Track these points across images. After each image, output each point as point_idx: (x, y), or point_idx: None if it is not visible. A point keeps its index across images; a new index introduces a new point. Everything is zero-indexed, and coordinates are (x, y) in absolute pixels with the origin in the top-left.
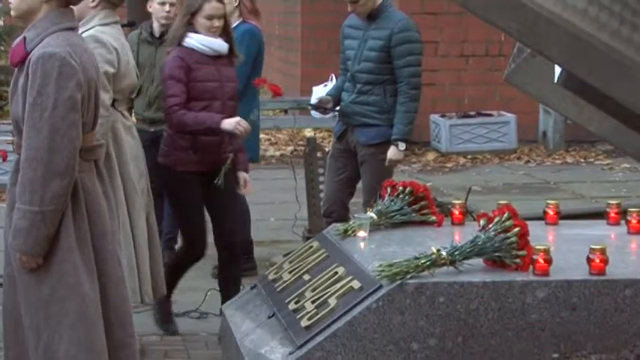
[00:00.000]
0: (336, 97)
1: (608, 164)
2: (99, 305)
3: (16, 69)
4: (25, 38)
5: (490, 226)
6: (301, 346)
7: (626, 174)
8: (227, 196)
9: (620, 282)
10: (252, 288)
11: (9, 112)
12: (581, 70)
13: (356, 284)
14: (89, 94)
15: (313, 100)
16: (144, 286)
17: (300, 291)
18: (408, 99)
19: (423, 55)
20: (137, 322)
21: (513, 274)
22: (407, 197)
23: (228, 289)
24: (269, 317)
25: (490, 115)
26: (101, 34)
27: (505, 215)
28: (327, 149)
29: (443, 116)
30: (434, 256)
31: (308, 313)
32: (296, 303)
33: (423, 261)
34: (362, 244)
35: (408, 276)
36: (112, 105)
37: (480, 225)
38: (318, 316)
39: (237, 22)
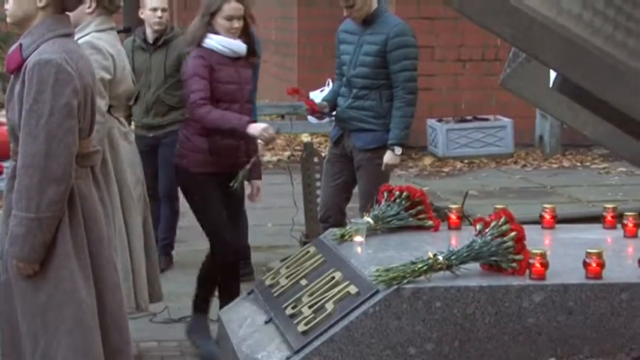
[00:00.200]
0: (332, 102)
1: (604, 168)
2: (95, 311)
3: (12, 76)
4: (21, 45)
5: (487, 230)
6: (298, 351)
7: (623, 178)
8: (237, 201)
9: (617, 286)
10: (249, 293)
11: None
12: (575, 74)
13: (353, 289)
14: (85, 101)
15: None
16: (140, 293)
17: (297, 296)
18: (404, 104)
19: (418, 60)
20: (134, 328)
21: (510, 279)
22: (403, 202)
23: (226, 294)
24: (266, 322)
25: (487, 119)
26: (97, 41)
27: (502, 220)
28: (323, 154)
29: (439, 121)
30: (430, 260)
31: (305, 318)
32: (293, 308)
33: (419, 266)
34: (359, 249)
35: (405, 281)
36: (109, 111)
37: (476, 229)
38: (315, 321)
39: None
